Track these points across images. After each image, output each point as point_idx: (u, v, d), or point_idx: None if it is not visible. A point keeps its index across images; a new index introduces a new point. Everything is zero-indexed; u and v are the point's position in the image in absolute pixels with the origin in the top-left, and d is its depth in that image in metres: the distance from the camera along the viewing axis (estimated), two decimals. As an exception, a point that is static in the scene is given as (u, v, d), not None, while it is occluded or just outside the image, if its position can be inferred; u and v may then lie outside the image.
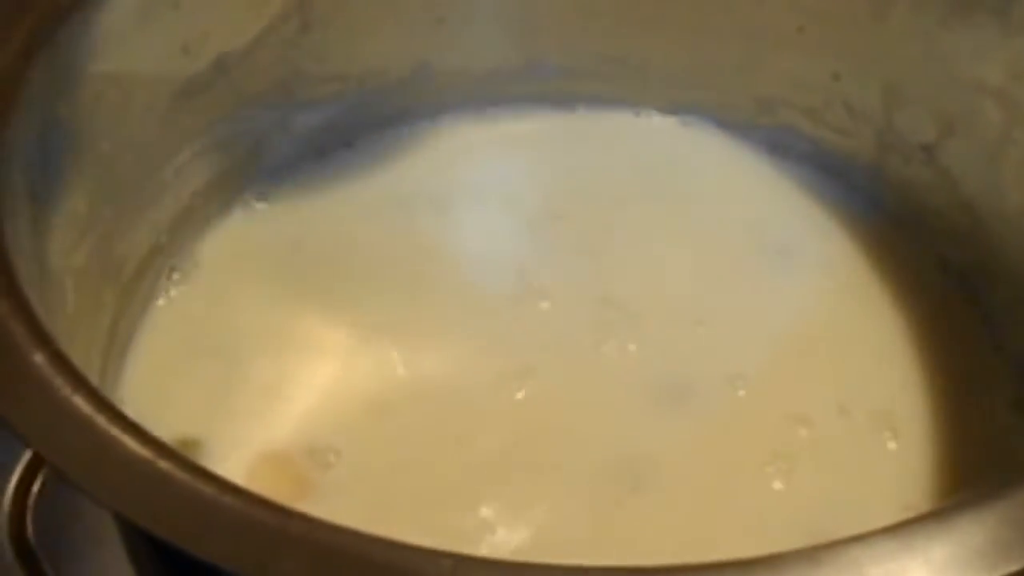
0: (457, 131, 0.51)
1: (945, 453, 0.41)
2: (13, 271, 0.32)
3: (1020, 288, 0.43)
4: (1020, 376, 0.43)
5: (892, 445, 0.42)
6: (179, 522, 0.27)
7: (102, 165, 0.40)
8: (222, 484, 0.27)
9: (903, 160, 0.48)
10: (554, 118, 0.52)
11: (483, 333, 0.44)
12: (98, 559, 0.45)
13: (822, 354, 0.44)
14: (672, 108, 0.52)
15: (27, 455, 0.47)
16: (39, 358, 0.29)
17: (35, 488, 0.47)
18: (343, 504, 0.39)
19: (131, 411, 0.30)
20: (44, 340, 0.30)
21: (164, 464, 0.27)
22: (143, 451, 0.28)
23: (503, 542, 0.38)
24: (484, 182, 0.50)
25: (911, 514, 0.28)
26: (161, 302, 0.45)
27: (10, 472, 0.47)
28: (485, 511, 0.39)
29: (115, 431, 0.28)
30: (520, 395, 0.42)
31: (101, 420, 0.28)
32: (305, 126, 0.49)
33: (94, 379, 0.32)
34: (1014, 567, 0.26)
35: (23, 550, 0.45)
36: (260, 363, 0.43)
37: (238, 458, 0.40)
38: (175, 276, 0.45)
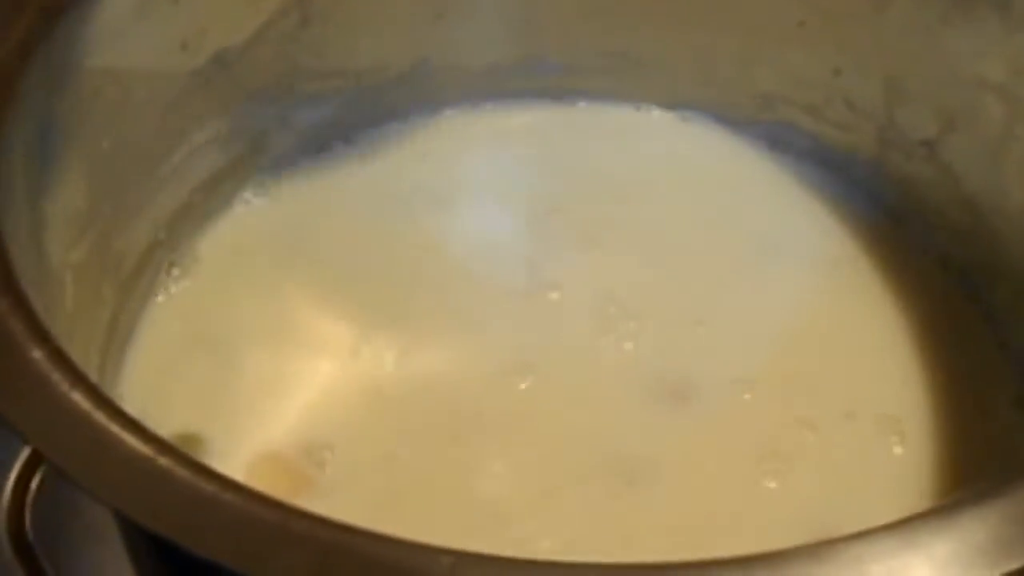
0: (457, 126, 0.51)
1: (947, 451, 0.41)
2: (12, 267, 0.32)
3: (1022, 285, 0.43)
4: (1022, 374, 0.43)
5: (897, 448, 0.42)
6: (179, 519, 0.26)
7: (101, 161, 0.40)
8: (222, 481, 0.27)
9: (904, 156, 0.48)
10: (554, 113, 0.52)
11: (482, 328, 0.44)
12: (97, 555, 0.45)
13: (821, 353, 0.44)
14: (672, 103, 0.51)
15: (26, 451, 0.47)
16: (38, 354, 0.29)
17: (34, 484, 0.47)
18: (341, 500, 0.39)
19: (130, 407, 0.30)
20: (43, 337, 0.30)
21: (164, 461, 0.27)
22: (143, 448, 0.28)
23: (501, 539, 0.38)
24: (484, 177, 0.50)
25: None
26: (160, 298, 0.45)
27: (9, 469, 0.47)
28: (483, 508, 0.39)
29: (114, 428, 0.28)
30: (519, 392, 0.42)
31: (100, 416, 0.28)
32: (304, 121, 0.48)
33: (93, 375, 0.32)
34: (1016, 564, 0.26)
35: (22, 546, 0.45)
36: (259, 358, 0.43)
37: (238, 454, 0.40)
38: (174, 272, 0.45)
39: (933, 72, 0.45)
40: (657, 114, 0.52)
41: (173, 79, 0.43)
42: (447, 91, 0.51)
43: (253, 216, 0.48)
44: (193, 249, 0.46)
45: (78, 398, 0.29)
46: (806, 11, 0.47)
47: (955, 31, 0.43)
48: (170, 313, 0.44)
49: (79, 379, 0.29)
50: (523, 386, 0.42)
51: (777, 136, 0.51)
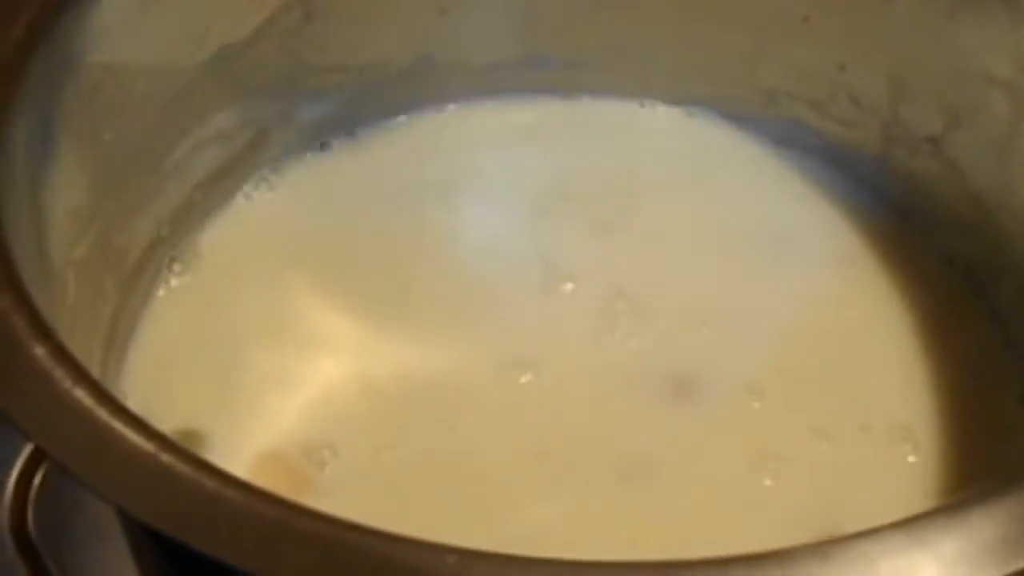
0: (460, 122, 0.51)
1: (955, 452, 0.41)
2: (14, 264, 0.32)
3: (1028, 282, 0.43)
4: (1028, 371, 0.43)
5: (908, 449, 0.41)
6: (181, 516, 0.26)
7: (103, 157, 0.40)
8: (225, 478, 0.27)
9: (909, 152, 0.47)
10: (558, 109, 0.51)
11: (486, 324, 0.44)
12: (99, 552, 0.45)
13: (827, 354, 0.44)
14: (677, 99, 0.51)
15: (28, 448, 0.47)
16: (40, 351, 0.29)
17: (36, 481, 0.47)
18: (344, 497, 0.39)
19: (132, 403, 0.30)
20: (45, 333, 0.30)
21: (167, 458, 0.27)
22: (145, 445, 0.27)
23: (504, 536, 0.38)
24: (487, 172, 0.50)
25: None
26: (162, 293, 0.45)
27: (11, 465, 0.47)
28: (485, 506, 0.39)
29: (117, 424, 0.28)
30: (522, 389, 0.42)
31: (102, 413, 0.28)
32: (307, 117, 0.48)
33: (95, 371, 0.32)
34: (1024, 562, 0.26)
35: (24, 543, 0.45)
36: (262, 354, 0.43)
37: (239, 450, 0.40)
38: (176, 267, 0.45)
39: (939, 67, 0.45)
40: (661, 110, 0.51)
41: (175, 75, 0.43)
42: (450, 87, 0.51)
43: (255, 212, 0.48)
44: (195, 245, 0.46)
45: (80, 395, 0.28)
46: (811, 6, 0.47)
47: (961, 26, 0.43)
48: (172, 309, 0.44)
49: (81, 376, 0.29)
50: (526, 381, 0.42)
51: (782, 132, 0.50)
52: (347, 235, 0.47)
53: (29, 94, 0.36)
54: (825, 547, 0.26)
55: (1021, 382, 0.43)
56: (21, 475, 0.47)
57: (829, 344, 0.44)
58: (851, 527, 0.27)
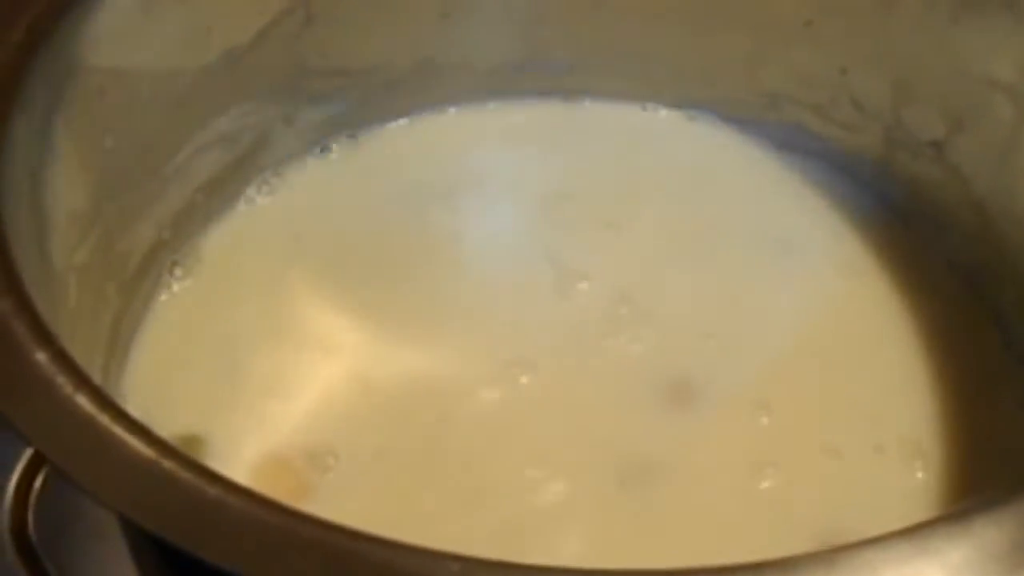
0: (462, 124, 0.51)
1: (960, 459, 0.41)
2: (15, 268, 0.32)
3: (1030, 287, 0.43)
4: (1031, 375, 0.43)
5: (918, 466, 0.41)
6: (183, 523, 0.26)
7: (104, 161, 0.40)
8: (226, 484, 0.27)
9: (911, 157, 0.47)
10: (559, 112, 0.52)
11: (487, 327, 0.44)
12: (100, 556, 0.45)
13: (830, 360, 0.44)
14: (679, 103, 0.51)
15: (29, 452, 0.47)
16: (42, 356, 0.29)
17: (37, 485, 0.47)
18: (346, 503, 0.39)
19: (133, 407, 0.29)
20: (46, 339, 0.30)
21: (168, 464, 0.27)
22: (146, 451, 0.27)
23: (505, 543, 0.38)
24: (488, 175, 0.50)
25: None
26: (164, 297, 0.44)
27: (11, 469, 0.47)
28: (486, 508, 0.39)
29: (118, 430, 0.28)
30: (522, 391, 0.42)
31: (104, 419, 0.28)
32: (309, 120, 0.48)
33: (96, 375, 0.32)
34: (1029, 570, 0.26)
35: (24, 547, 0.45)
36: (263, 358, 0.43)
37: (240, 456, 0.40)
38: (178, 271, 0.45)
39: (941, 72, 0.45)
40: (664, 113, 0.51)
41: (177, 78, 0.43)
42: (451, 90, 0.51)
43: (257, 215, 0.48)
44: (197, 249, 0.46)
45: (82, 400, 0.28)
46: (813, 10, 0.47)
47: (964, 30, 0.43)
48: (173, 313, 0.44)
49: (83, 381, 0.29)
50: (527, 383, 0.42)
51: (784, 136, 0.50)
52: (349, 238, 0.47)
53: (30, 97, 0.36)
54: (829, 555, 0.26)
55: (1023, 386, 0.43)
56: (22, 479, 0.47)
57: (833, 351, 0.44)
58: (854, 535, 0.27)
